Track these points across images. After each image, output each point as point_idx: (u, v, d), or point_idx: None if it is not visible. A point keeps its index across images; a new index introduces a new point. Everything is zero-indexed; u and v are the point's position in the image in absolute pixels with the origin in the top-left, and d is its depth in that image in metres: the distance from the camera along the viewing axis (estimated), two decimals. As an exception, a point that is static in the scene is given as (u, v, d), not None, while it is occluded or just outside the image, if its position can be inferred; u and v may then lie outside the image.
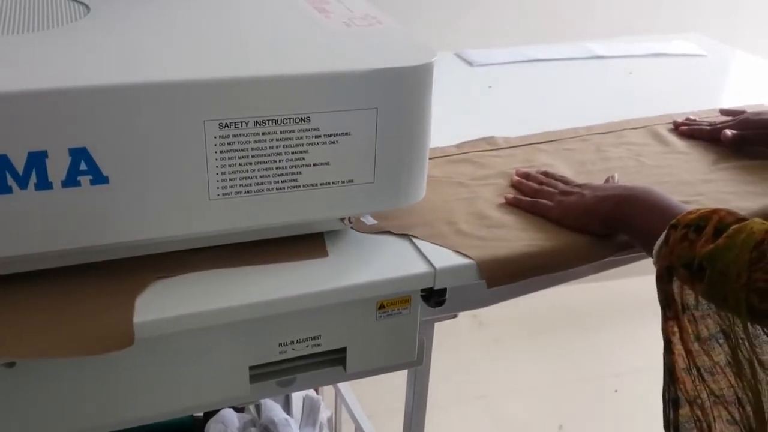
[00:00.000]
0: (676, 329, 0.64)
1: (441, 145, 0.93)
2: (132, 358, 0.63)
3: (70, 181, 0.57)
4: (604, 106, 1.10)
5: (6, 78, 0.55)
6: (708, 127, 0.98)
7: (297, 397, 1.30)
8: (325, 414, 1.31)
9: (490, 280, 0.70)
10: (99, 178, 0.58)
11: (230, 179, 0.62)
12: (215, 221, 0.63)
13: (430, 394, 1.10)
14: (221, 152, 0.60)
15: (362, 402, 1.38)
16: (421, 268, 0.69)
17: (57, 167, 0.56)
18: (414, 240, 0.73)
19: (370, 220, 0.76)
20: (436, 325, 0.86)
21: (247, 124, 0.60)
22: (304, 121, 0.62)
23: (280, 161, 0.63)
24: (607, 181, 0.85)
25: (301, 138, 0.62)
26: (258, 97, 0.60)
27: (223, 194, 0.62)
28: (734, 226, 0.60)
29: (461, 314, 0.84)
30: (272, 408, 1.23)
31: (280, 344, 0.69)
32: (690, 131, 1.00)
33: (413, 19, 1.69)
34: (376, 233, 0.74)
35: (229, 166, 0.61)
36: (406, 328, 0.73)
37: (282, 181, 0.64)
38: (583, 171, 0.89)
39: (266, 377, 0.71)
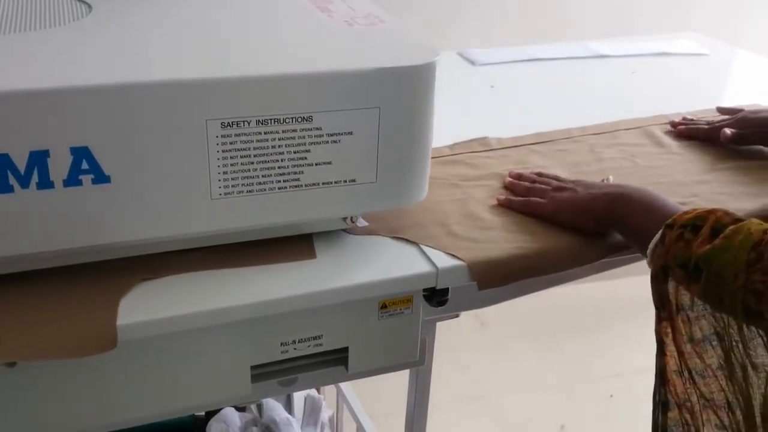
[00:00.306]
0: (669, 330, 0.64)
1: (443, 144, 0.93)
2: (133, 357, 0.64)
3: (72, 180, 0.57)
4: (607, 105, 1.10)
5: (8, 77, 0.55)
6: (706, 127, 0.98)
7: (298, 397, 1.30)
8: (326, 413, 1.31)
9: (482, 283, 0.70)
10: (101, 178, 0.57)
11: (232, 179, 0.62)
12: (217, 221, 0.63)
13: (431, 394, 1.10)
14: (223, 151, 0.60)
15: (364, 402, 1.38)
16: (423, 267, 0.69)
17: (59, 166, 0.56)
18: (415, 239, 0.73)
19: (361, 222, 0.75)
20: (438, 325, 0.86)
21: (249, 124, 0.60)
22: (307, 121, 0.62)
23: (282, 161, 0.63)
24: (603, 180, 0.85)
25: (304, 137, 0.62)
26: (260, 97, 0.59)
27: (225, 194, 0.62)
28: (731, 227, 0.59)
29: (463, 314, 0.84)
30: (274, 407, 1.23)
31: (281, 344, 0.68)
32: (688, 131, 0.99)
33: (415, 19, 1.69)
34: (367, 235, 0.73)
35: (231, 165, 0.61)
36: (408, 328, 0.73)
37: (284, 181, 0.64)
38: (577, 172, 0.89)
39: (268, 377, 0.70)
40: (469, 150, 0.93)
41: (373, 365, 0.74)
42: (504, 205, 0.81)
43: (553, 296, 1.18)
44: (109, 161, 0.57)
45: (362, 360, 0.73)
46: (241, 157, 0.61)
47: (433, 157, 0.89)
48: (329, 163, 0.64)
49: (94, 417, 0.66)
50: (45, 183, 0.56)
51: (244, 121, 0.60)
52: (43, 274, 0.63)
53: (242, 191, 0.63)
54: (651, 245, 0.64)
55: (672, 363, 0.64)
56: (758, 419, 0.63)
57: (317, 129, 0.62)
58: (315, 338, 0.69)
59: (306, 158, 0.63)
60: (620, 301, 2.08)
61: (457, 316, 0.83)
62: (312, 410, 1.29)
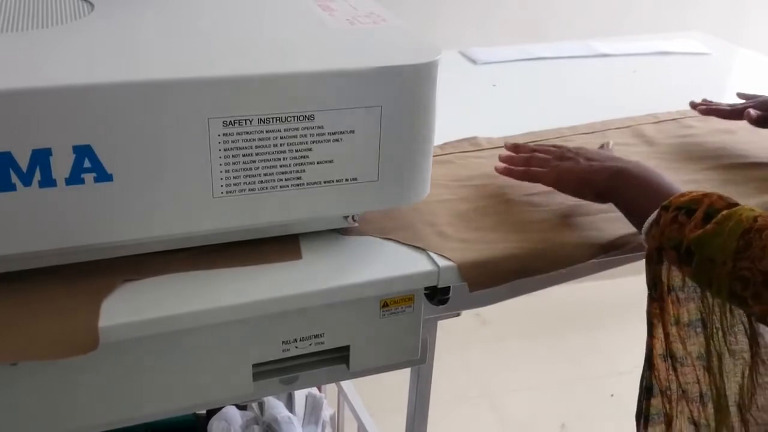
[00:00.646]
0: (658, 311, 0.65)
1: (443, 143, 0.93)
2: (134, 355, 0.64)
3: (74, 178, 0.57)
4: (609, 104, 1.10)
5: (10, 75, 0.55)
6: (727, 108, 0.99)
7: (300, 395, 1.30)
8: (327, 412, 1.32)
9: (472, 283, 0.69)
10: (103, 176, 0.58)
11: (234, 177, 0.62)
12: (219, 219, 0.63)
13: (432, 393, 1.10)
14: (225, 150, 0.60)
15: (365, 400, 1.38)
16: (424, 266, 0.69)
17: (61, 165, 0.56)
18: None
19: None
20: (439, 323, 0.86)
21: (251, 122, 0.60)
22: (308, 119, 0.62)
23: (284, 159, 0.63)
24: (601, 147, 0.85)
25: (305, 136, 0.62)
26: (262, 95, 0.60)
27: (227, 192, 0.62)
28: (724, 212, 0.60)
29: (464, 313, 0.84)
30: (275, 406, 1.23)
31: (283, 342, 0.68)
32: (708, 111, 1.00)
33: (417, 17, 1.69)
34: (357, 236, 0.73)
35: (233, 164, 0.61)
36: (409, 326, 0.73)
37: (286, 180, 0.64)
38: None
39: (269, 375, 0.71)
40: (459, 150, 0.93)
41: (374, 363, 0.74)
42: (504, 174, 0.82)
43: (554, 295, 1.18)
44: (111, 160, 0.57)
45: (363, 358, 0.73)
46: (243, 155, 0.61)
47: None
48: (331, 161, 0.64)
49: (93, 415, 0.66)
50: (47, 181, 0.56)
51: (246, 120, 0.60)
52: (24, 275, 0.62)
53: (244, 190, 0.63)
54: (646, 226, 0.65)
55: (658, 346, 0.65)
56: (733, 408, 0.65)
57: (319, 128, 0.62)
58: (316, 337, 0.70)
59: (308, 157, 0.63)
60: (621, 300, 2.08)
61: (458, 314, 0.83)
62: (313, 409, 1.29)
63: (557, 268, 0.73)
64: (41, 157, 0.55)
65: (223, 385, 0.69)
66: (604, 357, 1.93)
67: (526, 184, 0.82)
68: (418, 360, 0.76)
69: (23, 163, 0.55)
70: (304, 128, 0.62)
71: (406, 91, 0.63)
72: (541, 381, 1.87)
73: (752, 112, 0.94)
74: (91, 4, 0.71)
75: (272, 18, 0.73)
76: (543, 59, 1.30)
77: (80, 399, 0.64)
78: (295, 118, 0.61)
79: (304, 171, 0.64)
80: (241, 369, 0.68)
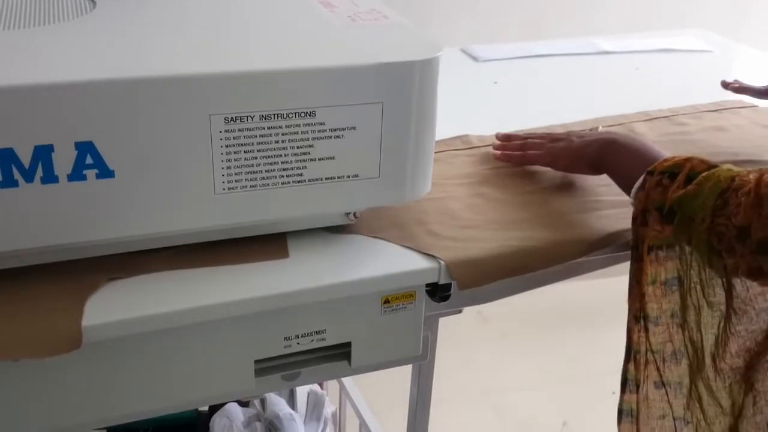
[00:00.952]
0: (638, 272, 0.69)
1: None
2: (136, 351, 0.64)
3: (76, 175, 0.57)
4: (611, 102, 1.10)
5: (12, 71, 0.55)
6: (760, 87, 1.03)
7: (301, 392, 1.30)
8: (329, 409, 1.32)
9: (462, 282, 0.69)
10: (105, 172, 0.58)
11: (235, 174, 0.62)
12: (220, 216, 0.63)
13: (434, 390, 1.10)
14: (227, 146, 0.60)
15: (366, 397, 1.39)
16: (426, 263, 0.69)
17: (63, 161, 0.56)
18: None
19: None
20: (441, 320, 0.86)
21: (252, 119, 0.60)
22: (310, 116, 0.62)
23: (285, 156, 0.63)
24: (592, 130, 0.90)
25: (307, 132, 0.62)
26: (263, 92, 0.60)
27: (229, 188, 0.62)
28: (704, 174, 0.65)
29: (466, 310, 0.84)
30: (277, 402, 1.23)
31: (285, 338, 0.69)
32: (740, 89, 1.05)
33: (419, 15, 1.69)
34: (346, 234, 0.73)
35: (235, 160, 0.61)
36: (410, 322, 0.73)
37: (287, 176, 0.64)
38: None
39: (271, 371, 0.71)
40: (451, 148, 0.93)
41: (375, 360, 0.74)
42: (503, 160, 0.87)
43: (556, 292, 1.18)
44: (113, 156, 0.57)
45: (365, 355, 0.73)
46: (245, 152, 0.61)
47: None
48: (332, 158, 0.64)
49: (98, 410, 0.66)
50: (49, 178, 0.56)
51: (247, 116, 0.60)
52: (7, 274, 0.62)
53: (245, 186, 0.63)
54: (633, 190, 0.70)
55: (634, 308, 0.70)
56: (708, 360, 0.69)
57: (320, 124, 0.62)
58: (318, 333, 0.70)
59: (309, 153, 0.63)
60: (623, 298, 2.08)
61: (459, 311, 0.83)
62: (315, 406, 1.29)
63: (547, 266, 0.73)
64: (43, 154, 0.55)
65: (225, 381, 0.69)
66: (605, 354, 1.93)
67: (515, 182, 0.84)
68: (420, 357, 0.76)
69: (25, 160, 0.55)
70: (306, 125, 0.62)
71: (407, 87, 0.63)
72: (543, 378, 1.87)
73: None
74: (93, 2, 0.71)
75: (274, 14, 0.73)
76: (545, 57, 1.30)
77: (83, 395, 0.65)
78: (297, 114, 0.61)
79: (305, 167, 0.64)
80: (243, 365, 0.69)
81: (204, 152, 0.60)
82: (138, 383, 0.66)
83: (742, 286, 0.65)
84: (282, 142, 0.62)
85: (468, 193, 0.82)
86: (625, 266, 0.83)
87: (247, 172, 0.62)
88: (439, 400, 1.14)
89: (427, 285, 0.72)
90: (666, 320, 0.69)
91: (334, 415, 1.36)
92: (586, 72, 1.25)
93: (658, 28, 1.52)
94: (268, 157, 0.62)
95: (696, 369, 0.69)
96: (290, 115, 0.61)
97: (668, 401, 0.71)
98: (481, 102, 1.11)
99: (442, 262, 0.69)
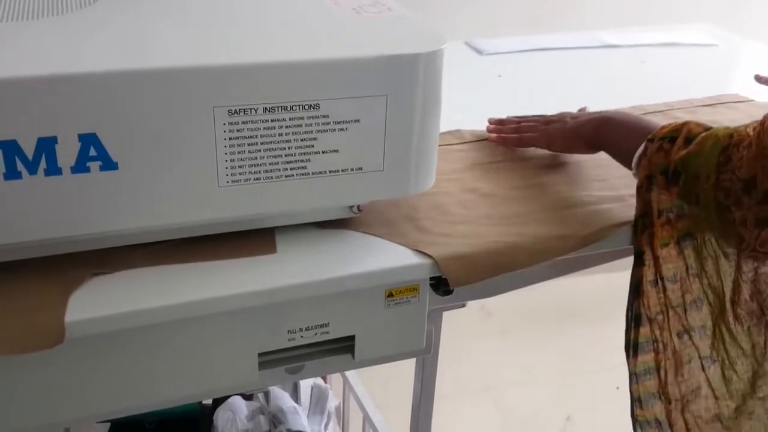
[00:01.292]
0: (648, 238, 0.71)
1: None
2: (140, 343, 0.64)
3: (80, 167, 0.57)
4: (616, 95, 1.09)
5: (16, 63, 0.55)
6: None
7: (305, 386, 1.30)
8: (333, 403, 1.32)
9: (453, 280, 0.69)
10: (108, 164, 0.58)
11: (239, 166, 0.62)
12: (224, 208, 0.63)
13: (437, 384, 1.10)
14: (230, 139, 0.60)
15: (370, 391, 1.39)
16: (418, 258, 0.69)
17: (67, 153, 0.56)
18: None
19: None
20: (444, 314, 0.86)
21: (256, 111, 0.60)
22: (314, 108, 0.62)
23: (289, 148, 0.63)
24: (580, 110, 0.90)
25: (311, 125, 0.62)
26: (267, 84, 0.59)
27: (232, 181, 0.62)
28: (702, 134, 0.68)
29: (469, 304, 0.84)
30: (281, 396, 1.24)
31: (288, 331, 0.69)
32: None
33: (423, 7, 1.68)
34: (336, 229, 0.72)
35: (238, 153, 0.61)
36: (414, 316, 0.73)
37: (291, 169, 0.64)
38: (553, 162, 0.88)
39: (275, 364, 0.71)
40: (443, 143, 0.91)
41: (379, 353, 0.74)
42: (499, 142, 0.89)
43: (560, 287, 1.18)
44: (116, 148, 0.57)
45: (369, 348, 0.73)
46: (249, 144, 0.61)
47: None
48: (336, 151, 0.64)
49: (102, 402, 0.66)
50: (53, 170, 0.56)
51: (251, 109, 0.60)
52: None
53: (249, 179, 0.63)
54: (635, 158, 0.72)
55: (649, 273, 0.72)
56: (728, 304, 0.72)
57: (324, 117, 0.62)
58: (322, 326, 0.70)
59: (313, 146, 0.63)
60: (627, 293, 2.08)
61: (463, 305, 0.83)
62: (319, 399, 1.30)
63: (539, 261, 0.72)
64: (47, 146, 0.55)
65: (229, 373, 0.69)
66: (609, 349, 1.92)
67: (507, 177, 0.83)
68: (423, 350, 0.76)
69: (29, 152, 0.55)
70: (310, 117, 0.62)
71: (411, 80, 0.63)
72: (547, 373, 1.87)
73: None
74: (97, -6, 0.71)
75: (278, 6, 0.72)
76: (549, 50, 1.29)
77: (88, 386, 0.65)
78: (301, 107, 0.61)
79: (309, 160, 0.64)
80: (247, 358, 0.69)
81: (207, 145, 0.60)
82: (141, 376, 0.66)
83: (751, 234, 0.67)
84: (286, 134, 0.62)
85: (459, 189, 0.81)
86: (631, 260, 0.83)
87: (251, 165, 0.62)
88: (442, 394, 1.14)
89: (432, 279, 0.71)
90: (682, 275, 0.71)
91: (337, 408, 1.36)
92: (591, 66, 1.25)
93: (659, 22, 1.52)
94: (272, 149, 0.62)
95: (719, 313, 0.72)
96: (294, 108, 0.61)
97: (694, 345, 0.73)
98: (485, 95, 1.11)
99: (430, 259, 0.68)
